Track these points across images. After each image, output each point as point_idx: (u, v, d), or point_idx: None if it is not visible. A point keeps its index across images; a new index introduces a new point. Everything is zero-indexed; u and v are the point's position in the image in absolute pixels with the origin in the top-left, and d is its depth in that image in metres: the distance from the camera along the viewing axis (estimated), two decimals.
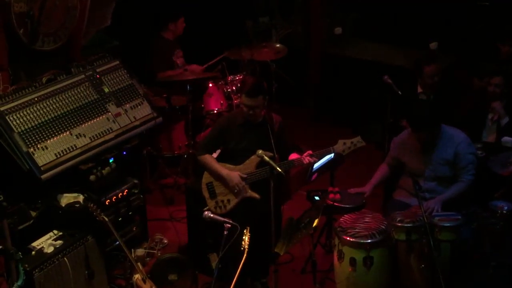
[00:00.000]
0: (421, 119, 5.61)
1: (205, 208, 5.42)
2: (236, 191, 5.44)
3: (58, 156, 5.35)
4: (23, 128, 5.27)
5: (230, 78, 7.62)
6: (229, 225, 4.64)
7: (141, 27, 7.97)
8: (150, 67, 7.65)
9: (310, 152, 5.39)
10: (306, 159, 5.35)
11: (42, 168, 5.21)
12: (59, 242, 5.23)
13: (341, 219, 5.54)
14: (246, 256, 4.61)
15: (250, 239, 5.38)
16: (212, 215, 4.80)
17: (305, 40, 9.54)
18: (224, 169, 5.46)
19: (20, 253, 4.83)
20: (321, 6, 9.27)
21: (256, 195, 5.45)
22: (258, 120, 5.48)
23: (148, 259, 6.10)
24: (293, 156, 5.46)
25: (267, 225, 4.99)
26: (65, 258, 5.18)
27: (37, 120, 5.38)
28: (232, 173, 5.44)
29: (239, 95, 7.33)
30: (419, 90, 6.66)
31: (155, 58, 7.70)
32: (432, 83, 6.54)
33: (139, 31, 7.95)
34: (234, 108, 7.39)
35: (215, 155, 5.74)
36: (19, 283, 4.71)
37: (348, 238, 5.28)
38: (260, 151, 5.07)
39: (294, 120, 8.77)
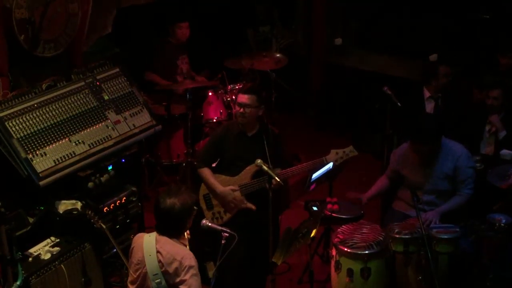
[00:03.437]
0: (424, 132, 5.60)
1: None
2: (232, 206, 5.47)
3: (57, 162, 5.34)
4: (22, 134, 5.26)
5: (230, 87, 7.63)
6: (227, 234, 4.63)
7: (143, 35, 7.99)
8: (147, 66, 7.66)
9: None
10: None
11: (40, 175, 5.20)
12: (56, 248, 5.22)
13: (339, 229, 5.54)
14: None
15: (248, 248, 5.40)
16: (209, 224, 4.79)
17: (306, 49, 9.56)
18: (218, 186, 5.52)
19: (20, 253, 4.82)
20: (323, 16, 9.29)
21: (252, 206, 5.48)
22: (248, 125, 5.50)
23: None
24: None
25: (264, 234, 4.99)
26: (62, 265, 5.16)
27: (36, 127, 5.37)
28: (226, 190, 5.49)
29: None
30: (427, 95, 6.76)
31: (155, 59, 7.71)
32: (446, 82, 6.72)
33: (141, 38, 7.97)
34: (234, 117, 7.39)
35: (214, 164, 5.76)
36: (18, 282, 4.70)
37: (345, 249, 5.27)
38: (259, 160, 5.07)
39: (294, 129, 8.81)
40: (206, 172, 5.61)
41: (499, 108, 6.30)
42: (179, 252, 4.29)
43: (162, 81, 7.63)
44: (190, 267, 4.24)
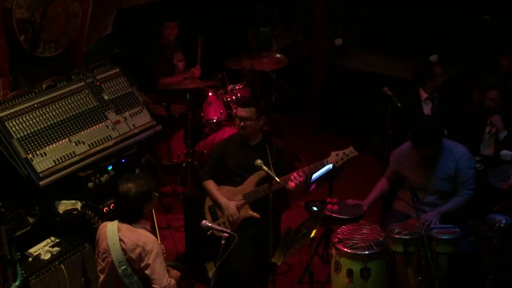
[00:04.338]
0: (425, 136, 5.59)
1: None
2: (230, 220, 5.50)
3: (57, 162, 5.34)
4: (22, 134, 5.26)
5: (230, 87, 7.63)
6: (227, 235, 4.63)
7: (142, 35, 7.99)
8: (150, 73, 7.65)
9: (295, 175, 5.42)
10: (292, 178, 5.36)
11: (40, 175, 5.20)
12: (56, 249, 5.22)
13: (338, 230, 5.53)
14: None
15: (248, 249, 5.40)
16: (209, 224, 4.80)
17: (307, 50, 9.55)
18: (221, 198, 5.55)
19: (18, 253, 4.83)
20: (324, 17, 9.29)
21: (257, 215, 5.49)
22: (250, 136, 5.52)
23: None
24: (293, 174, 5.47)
25: (265, 235, 4.99)
26: (62, 265, 5.16)
27: (36, 127, 5.37)
28: (229, 203, 5.51)
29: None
30: (424, 96, 6.76)
31: (154, 63, 7.70)
32: (439, 85, 6.73)
33: (140, 39, 7.97)
34: (234, 118, 7.39)
35: None
36: (17, 283, 4.71)
37: (345, 249, 5.27)
38: (259, 161, 5.07)
39: (294, 130, 8.81)
40: (210, 185, 5.66)
41: (496, 109, 6.30)
42: (140, 238, 4.38)
43: (173, 79, 7.62)
44: (152, 251, 4.35)
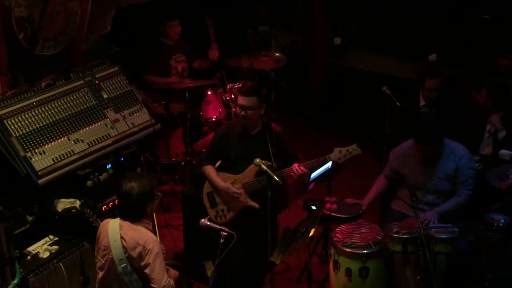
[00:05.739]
0: (429, 133, 5.58)
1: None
2: (235, 202, 5.45)
3: (56, 161, 5.34)
4: (21, 133, 5.26)
5: (229, 86, 7.62)
6: (225, 233, 4.63)
7: (141, 33, 7.99)
8: (143, 69, 7.64)
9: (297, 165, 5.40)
10: (295, 170, 5.34)
11: (39, 173, 5.21)
12: (55, 247, 5.22)
13: (337, 229, 5.53)
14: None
15: (247, 247, 5.39)
16: (208, 223, 4.79)
17: (306, 49, 9.56)
18: (220, 182, 5.48)
19: (17, 251, 4.83)
20: (323, 16, 9.29)
21: (256, 205, 5.44)
22: (251, 125, 5.47)
23: None
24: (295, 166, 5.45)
25: (263, 234, 4.99)
26: (60, 264, 5.16)
27: (35, 125, 5.37)
28: (230, 185, 5.45)
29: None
30: (422, 103, 6.64)
31: (149, 61, 7.69)
32: (431, 97, 6.51)
33: (139, 37, 7.97)
34: (233, 116, 7.39)
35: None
36: (15, 281, 4.71)
37: (344, 248, 5.27)
38: (257, 160, 5.07)
39: (293, 129, 8.78)
40: (209, 169, 5.57)
41: (485, 108, 6.28)
42: (141, 237, 4.39)
43: (158, 79, 7.61)
44: (153, 250, 4.35)
